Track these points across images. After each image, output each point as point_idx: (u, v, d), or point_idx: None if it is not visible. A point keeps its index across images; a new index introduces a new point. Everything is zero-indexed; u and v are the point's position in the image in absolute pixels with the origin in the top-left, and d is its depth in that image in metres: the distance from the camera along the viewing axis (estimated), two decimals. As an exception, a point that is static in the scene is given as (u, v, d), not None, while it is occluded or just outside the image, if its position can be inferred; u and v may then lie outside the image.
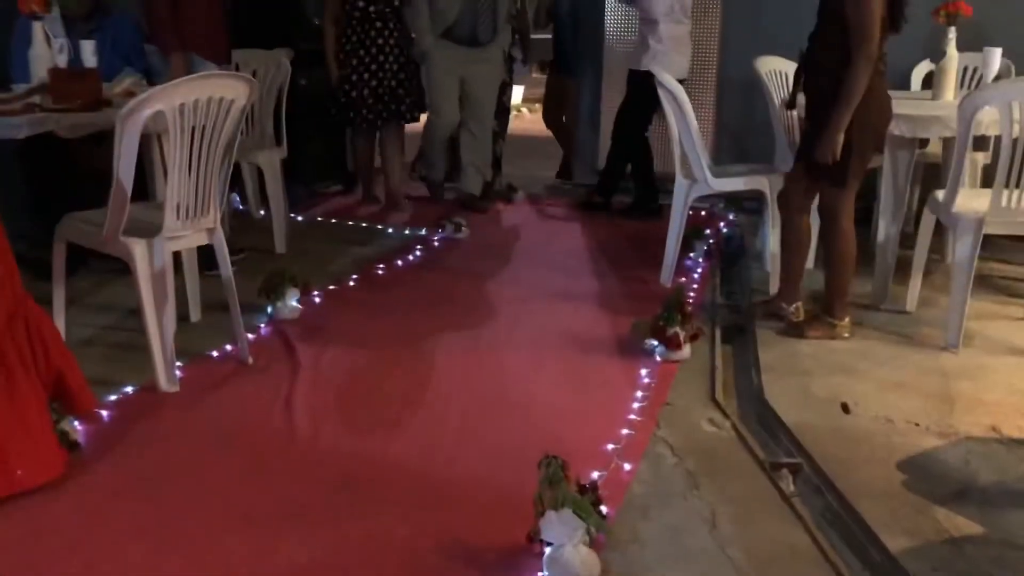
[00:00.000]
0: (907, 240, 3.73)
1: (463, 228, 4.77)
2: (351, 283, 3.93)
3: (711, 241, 4.48)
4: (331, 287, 3.84)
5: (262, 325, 3.35)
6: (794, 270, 3.46)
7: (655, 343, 3.09)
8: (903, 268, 3.58)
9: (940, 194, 3.26)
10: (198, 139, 2.67)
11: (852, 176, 3.14)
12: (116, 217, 2.59)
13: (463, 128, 5.21)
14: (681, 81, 4.96)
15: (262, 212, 4.94)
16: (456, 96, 5.14)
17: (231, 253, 3.98)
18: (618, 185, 5.42)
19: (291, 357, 3.08)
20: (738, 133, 5.45)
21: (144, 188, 3.35)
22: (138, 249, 2.64)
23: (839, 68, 3.00)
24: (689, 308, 3.13)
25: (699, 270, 4.18)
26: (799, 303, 3.47)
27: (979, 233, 3.08)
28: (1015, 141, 2.96)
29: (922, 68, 4.60)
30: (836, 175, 3.14)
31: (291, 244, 4.47)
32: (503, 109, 5.59)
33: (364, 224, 5.04)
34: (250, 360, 3.01)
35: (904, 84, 4.55)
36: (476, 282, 4.10)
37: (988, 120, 3.10)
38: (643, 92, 4.86)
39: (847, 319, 3.27)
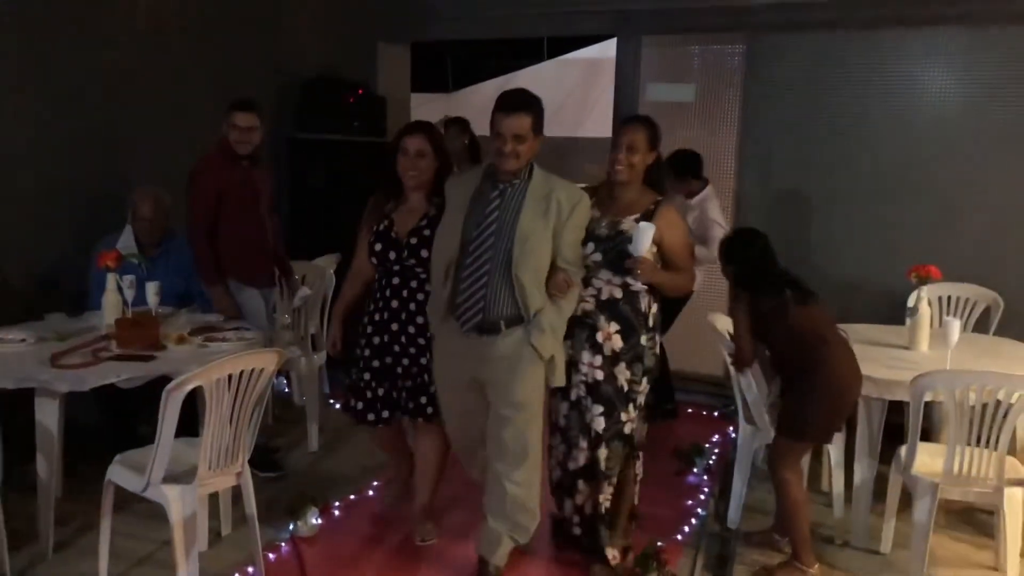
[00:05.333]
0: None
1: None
2: (370, 492, 4.30)
3: (713, 457, 4.76)
4: (351, 497, 4.22)
5: (283, 544, 3.73)
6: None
7: (632, 587, 3.35)
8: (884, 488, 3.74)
9: (903, 451, 3.53)
10: (231, 400, 3.11)
11: (802, 436, 3.46)
12: (156, 472, 3.03)
13: (489, 462, 3.42)
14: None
15: (303, 398, 5.38)
16: (472, 406, 3.40)
17: (269, 451, 4.51)
18: None
19: (304, 584, 3.46)
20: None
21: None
22: (173, 496, 3.07)
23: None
24: (666, 558, 3.41)
25: (705, 488, 4.43)
26: None
27: (935, 498, 3.33)
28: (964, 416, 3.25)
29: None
30: (789, 426, 3.47)
31: (324, 440, 4.90)
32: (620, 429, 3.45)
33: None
34: (266, 586, 3.40)
35: (900, 311, 4.84)
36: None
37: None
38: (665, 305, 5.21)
39: (816, 565, 3.50)
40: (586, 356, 3.37)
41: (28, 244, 4.53)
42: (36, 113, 4.52)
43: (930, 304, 4.17)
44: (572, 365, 3.40)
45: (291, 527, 3.81)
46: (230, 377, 3.05)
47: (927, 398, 3.33)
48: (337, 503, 4.12)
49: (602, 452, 3.39)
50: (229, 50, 5.57)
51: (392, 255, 3.52)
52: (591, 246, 3.34)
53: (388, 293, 3.57)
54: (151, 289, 3.89)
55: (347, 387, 3.78)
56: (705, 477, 4.56)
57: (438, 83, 15.25)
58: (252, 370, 3.12)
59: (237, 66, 5.58)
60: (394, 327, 3.57)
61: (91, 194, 4.75)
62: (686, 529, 3.99)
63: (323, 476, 4.39)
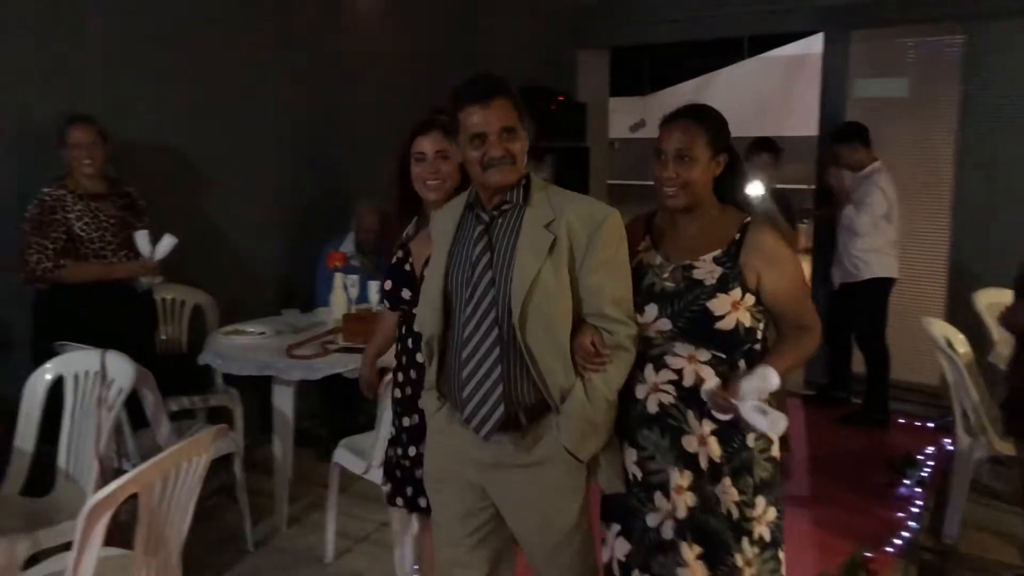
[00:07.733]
0: None
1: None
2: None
3: (927, 469, 4.53)
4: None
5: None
6: None
7: (839, 599, 3.23)
8: None
9: None
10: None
11: None
12: (377, 456, 3.28)
13: None
14: (894, 280, 5.10)
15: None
16: (473, 528, 2.30)
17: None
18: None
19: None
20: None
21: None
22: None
23: None
24: (875, 568, 3.30)
25: (918, 501, 4.21)
26: None
27: None
28: None
29: None
30: None
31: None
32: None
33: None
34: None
35: None
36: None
37: None
38: (870, 301, 5.07)
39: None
40: (673, 476, 2.20)
41: (268, 247, 5.01)
42: (274, 130, 4.98)
43: None
44: (650, 489, 2.24)
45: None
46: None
47: None
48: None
49: None
50: (434, 64, 5.88)
51: (407, 295, 2.59)
52: (653, 310, 2.21)
53: (418, 360, 2.52)
54: (373, 288, 4.19)
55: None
56: (918, 489, 4.35)
57: (635, 86, 15.28)
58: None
59: (442, 80, 5.87)
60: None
61: (313, 203, 5.19)
62: (896, 542, 3.84)
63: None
